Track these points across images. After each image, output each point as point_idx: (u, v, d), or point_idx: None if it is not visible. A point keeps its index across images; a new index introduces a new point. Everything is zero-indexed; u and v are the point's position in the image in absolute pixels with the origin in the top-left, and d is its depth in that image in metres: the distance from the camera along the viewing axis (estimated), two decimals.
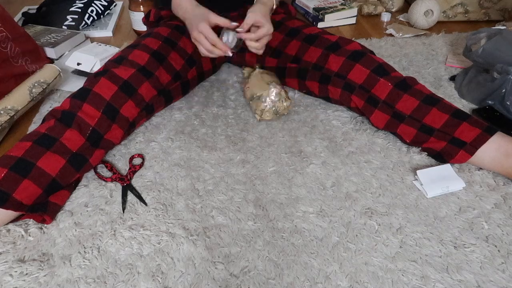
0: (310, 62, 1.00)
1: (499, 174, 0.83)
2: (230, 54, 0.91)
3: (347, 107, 1.03)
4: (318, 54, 0.98)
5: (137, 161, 0.89)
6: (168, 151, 0.92)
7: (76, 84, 1.14)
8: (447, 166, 0.84)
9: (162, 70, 0.95)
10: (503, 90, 0.95)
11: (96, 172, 0.85)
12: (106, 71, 0.88)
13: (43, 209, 0.75)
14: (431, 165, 0.86)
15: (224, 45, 0.90)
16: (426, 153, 0.89)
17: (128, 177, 0.84)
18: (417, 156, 0.89)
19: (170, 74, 0.98)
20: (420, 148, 0.90)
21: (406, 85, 0.88)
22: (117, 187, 0.83)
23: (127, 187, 0.82)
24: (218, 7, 1.05)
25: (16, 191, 0.72)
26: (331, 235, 0.72)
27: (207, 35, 0.89)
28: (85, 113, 0.81)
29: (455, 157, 0.84)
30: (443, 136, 0.84)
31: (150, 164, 0.88)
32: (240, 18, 1.09)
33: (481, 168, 0.85)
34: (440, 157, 0.87)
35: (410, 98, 0.87)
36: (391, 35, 1.47)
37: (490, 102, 0.98)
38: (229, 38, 0.92)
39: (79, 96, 0.84)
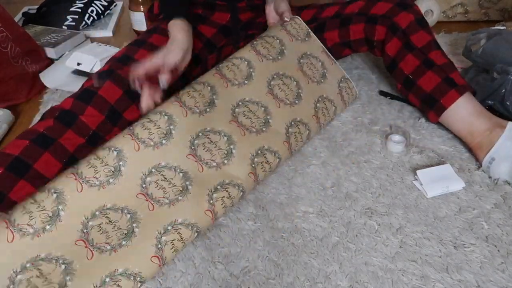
0: (328, 16, 1.03)
1: (459, 134, 0.90)
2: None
3: (370, 49, 1.02)
4: (337, 8, 1.03)
5: None
6: None
7: (76, 84, 1.14)
8: (447, 166, 0.84)
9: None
10: (503, 90, 0.95)
11: None
12: (111, 71, 0.87)
13: None
14: (431, 165, 0.86)
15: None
16: (427, 152, 0.89)
17: None
18: (417, 156, 0.89)
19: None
20: (420, 148, 0.90)
21: (424, 23, 0.95)
22: None
23: None
24: None
25: (12, 191, 0.71)
26: (331, 235, 0.73)
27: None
28: (87, 116, 0.81)
29: (445, 96, 0.88)
30: (440, 72, 0.90)
31: None
32: (248, 9, 1.09)
33: (480, 167, 0.85)
34: (429, 101, 0.92)
35: (424, 34, 0.93)
36: None
37: (490, 102, 0.98)
38: None
39: (83, 98, 0.83)
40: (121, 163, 0.67)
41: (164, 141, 0.71)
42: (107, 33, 1.51)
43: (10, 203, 0.71)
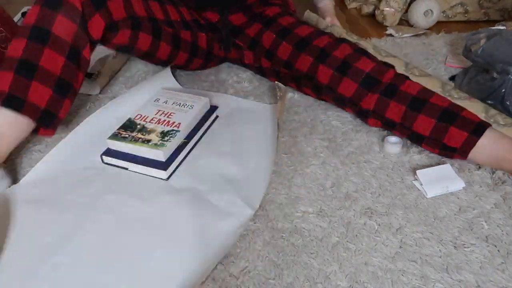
0: (302, 71, 0.98)
1: (503, 170, 0.83)
2: None
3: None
4: (309, 64, 0.96)
5: None
6: None
7: None
8: (447, 166, 0.84)
9: None
10: (503, 90, 0.95)
11: None
12: None
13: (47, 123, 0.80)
14: (431, 165, 0.86)
15: None
16: (427, 152, 0.89)
17: None
18: (417, 156, 0.89)
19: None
20: (420, 148, 0.90)
21: (393, 89, 0.87)
22: None
23: None
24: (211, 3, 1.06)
25: (29, 94, 0.74)
26: (331, 235, 0.72)
27: None
28: None
29: (453, 158, 0.85)
30: (434, 143, 0.85)
31: None
32: (240, 10, 1.09)
33: (480, 168, 0.85)
34: (445, 155, 0.87)
35: (397, 105, 0.86)
36: (391, 35, 1.47)
37: (490, 102, 0.98)
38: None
39: None
40: None
41: None
42: None
43: (31, 107, 0.75)
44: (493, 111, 0.94)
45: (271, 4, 1.12)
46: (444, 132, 0.82)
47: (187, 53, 1.09)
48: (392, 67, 0.91)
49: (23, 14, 1.54)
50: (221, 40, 1.13)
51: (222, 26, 1.11)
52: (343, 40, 0.97)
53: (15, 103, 0.75)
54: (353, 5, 1.72)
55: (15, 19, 1.53)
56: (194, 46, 1.09)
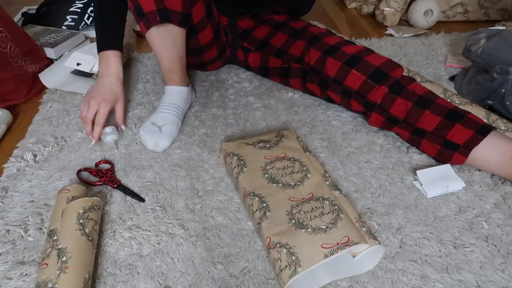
0: (309, 63, 0.99)
1: (505, 178, 0.82)
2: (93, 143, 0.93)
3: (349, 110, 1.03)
4: (317, 56, 0.97)
5: (105, 166, 0.88)
6: (168, 151, 0.92)
7: (76, 85, 1.14)
8: (447, 166, 0.84)
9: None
10: (503, 90, 0.95)
11: (80, 178, 0.84)
12: None
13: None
14: (431, 165, 0.86)
15: (98, 134, 0.92)
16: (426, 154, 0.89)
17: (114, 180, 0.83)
18: (417, 156, 0.89)
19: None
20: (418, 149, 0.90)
21: (400, 87, 0.88)
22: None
23: (119, 188, 0.82)
24: (230, 10, 1.07)
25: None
26: None
27: (100, 114, 0.90)
28: None
29: (451, 159, 0.84)
30: (436, 139, 0.84)
31: (149, 164, 0.88)
32: (249, 16, 1.10)
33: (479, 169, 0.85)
34: (441, 160, 0.87)
35: (403, 101, 0.87)
36: (391, 35, 1.47)
37: (490, 102, 0.98)
38: (111, 133, 0.95)
39: None
40: None
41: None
42: None
43: None
44: (494, 116, 0.94)
45: (278, 13, 1.14)
46: (449, 128, 0.82)
47: (217, 51, 1.11)
48: (401, 66, 0.91)
49: (23, 14, 1.54)
50: (229, 43, 1.15)
51: (230, 29, 1.12)
52: (351, 42, 0.98)
53: None
54: (353, 5, 1.72)
55: (15, 19, 1.53)
56: (223, 46, 1.11)
